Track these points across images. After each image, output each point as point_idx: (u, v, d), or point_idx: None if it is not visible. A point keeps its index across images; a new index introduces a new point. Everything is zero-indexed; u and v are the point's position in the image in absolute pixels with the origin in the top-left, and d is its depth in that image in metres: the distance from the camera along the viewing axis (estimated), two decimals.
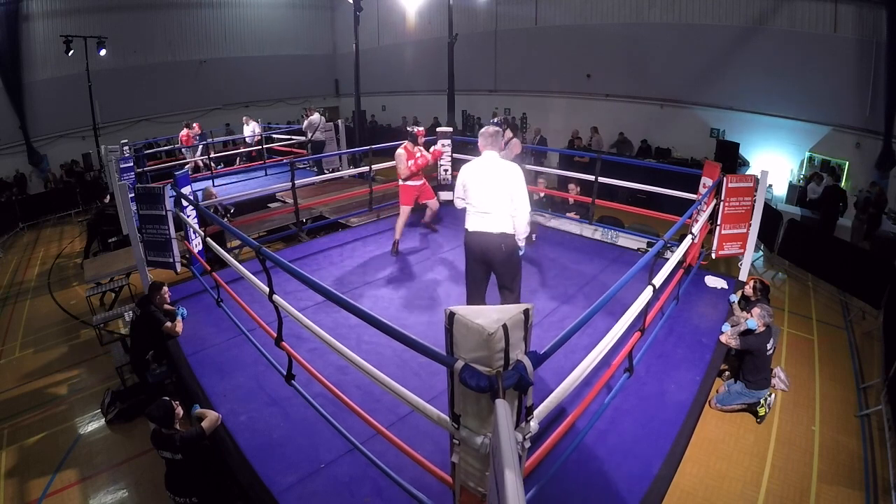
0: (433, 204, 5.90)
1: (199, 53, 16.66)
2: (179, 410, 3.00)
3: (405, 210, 5.53)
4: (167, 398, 3.01)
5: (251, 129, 11.44)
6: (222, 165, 11.23)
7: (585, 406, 2.70)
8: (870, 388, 4.72)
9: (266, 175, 10.28)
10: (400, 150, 5.43)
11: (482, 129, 3.40)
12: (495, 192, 3.25)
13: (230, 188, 9.01)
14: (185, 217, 4.84)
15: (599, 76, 13.07)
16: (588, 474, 2.61)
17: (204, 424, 2.91)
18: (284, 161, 10.11)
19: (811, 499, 3.50)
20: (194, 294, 4.70)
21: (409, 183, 5.48)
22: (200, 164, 10.53)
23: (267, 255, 2.91)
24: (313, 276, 2.54)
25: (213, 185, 7.79)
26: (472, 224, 3.37)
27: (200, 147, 10.79)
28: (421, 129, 5.70)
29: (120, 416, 4.53)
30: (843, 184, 9.28)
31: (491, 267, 3.43)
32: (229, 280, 4.35)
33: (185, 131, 10.78)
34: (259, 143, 11.00)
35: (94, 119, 13.39)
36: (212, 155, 10.55)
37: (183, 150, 10.90)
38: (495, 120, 5.92)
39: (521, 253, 3.45)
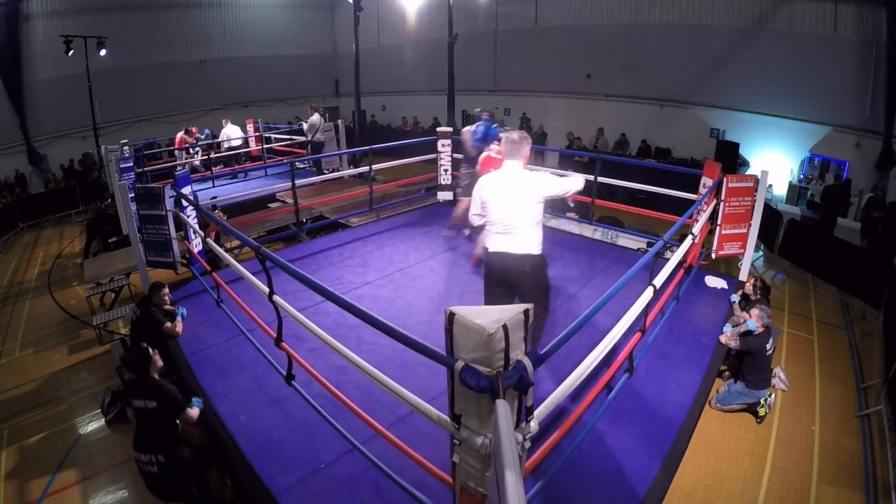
0: None
1: (199, 53, 16.67)
2: (158, 359, 3.02)
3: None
4: (144, 344, 3.02)
5: (226, 132, 10.93)
6: (222, 166, 11.18)
7: (585, 406, 2.70)
8: (870, 388, 4.72)
9: (266, 175, 10.28)
10: None
11: (505, 136, 3.05)
12: (518, 210, 2.91)
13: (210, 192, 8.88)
14: (185, 217, 4.84)
15: (599, 76, 13.08)
16: (588, 474, 2.61)
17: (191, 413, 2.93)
18: (284, 161, 10.11)
19: (811, 499, 3.50)
20: (194, 294, 4.70)
21: None
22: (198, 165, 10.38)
23: (267, 255, 2.91)
24: (313, 276, 2.54)
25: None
26: (493, 244, 3.05)
27: (197, 150, 10.60)
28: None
29: (120, 416, 4.52)
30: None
31: (515, 290, 3.11)
32: (229, 280, 4.35)
33: (181, 134, 10.57)
34: (237, 147, 10.67)
35: (94, 119, 13.39)
36: (212, 156, 10.53)
37: (175, 151, 10.64)
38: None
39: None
